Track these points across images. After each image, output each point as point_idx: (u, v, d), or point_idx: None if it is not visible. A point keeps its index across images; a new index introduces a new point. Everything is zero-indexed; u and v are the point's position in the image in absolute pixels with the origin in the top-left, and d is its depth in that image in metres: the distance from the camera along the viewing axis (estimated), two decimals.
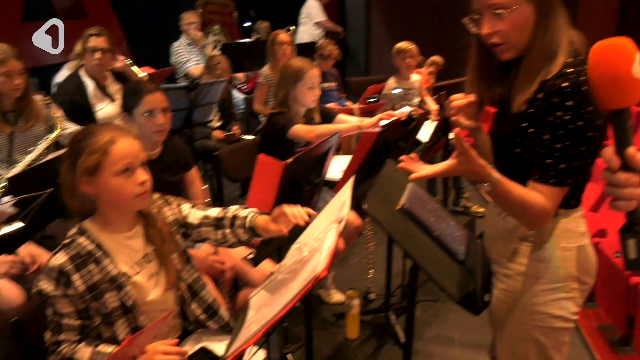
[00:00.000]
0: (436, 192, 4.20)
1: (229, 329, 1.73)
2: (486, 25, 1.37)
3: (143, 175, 1.52)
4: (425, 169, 1.40)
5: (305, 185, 2.05)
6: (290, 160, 1.88)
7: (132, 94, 2.21)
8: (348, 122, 2.98)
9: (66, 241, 1.50)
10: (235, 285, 2.55)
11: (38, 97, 2.91)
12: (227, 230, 1.66)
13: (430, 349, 2.65)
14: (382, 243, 3.17)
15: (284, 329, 2.55)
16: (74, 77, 3.26)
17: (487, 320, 1.66)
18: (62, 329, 1.47)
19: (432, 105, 4.48)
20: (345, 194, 1.59)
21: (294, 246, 1.51)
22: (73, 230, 1.53)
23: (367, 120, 2.82)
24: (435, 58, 5.26)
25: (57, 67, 4.09)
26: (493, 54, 1.43)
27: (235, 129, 4.00)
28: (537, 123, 1.34)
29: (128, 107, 2.22)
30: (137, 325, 1.54)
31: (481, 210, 4.10)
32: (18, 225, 1.73)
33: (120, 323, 1.51)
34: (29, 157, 2.71)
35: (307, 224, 1.54)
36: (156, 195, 1.70)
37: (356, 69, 7.79)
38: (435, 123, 3.40)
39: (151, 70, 4.15)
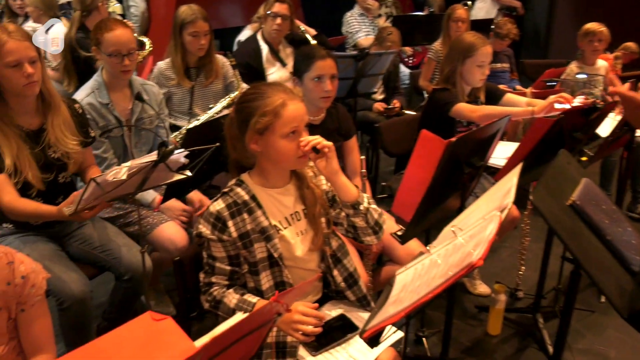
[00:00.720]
0: (610, 193, 3.79)
1: (366, 302, 1.74)
2: None
3: (307, 138, 1.56)
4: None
5: (466, 168, 1.95)
6: (454, 139, 1.80)
7: (304, 59, 2.26)
8: (517, 103, 2.76)
9: (225, 190, 1.60)
10: (380, 260, 2.56)
11: (220, 57, 3.11)
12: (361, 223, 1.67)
13: None
14: (539, 240, 2.95)
15: (422, 312, 2.51)
16: (252, 41, 3.44)
17: None
18: (215, 272, 1.58)
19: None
20: (511, 180, 1.48)
21: (448, 228, 1.45)
22: (232, 181, 1.63)
23: (539, 103, 2.59)
24: (630, 44, 4.67)
25: (238, 30, 4.36)
26: None
27: (395, 102, 3.95)
28: None
29: (298, 71, 2.28)
30: (281, 279, 1.60)
31: None
32: (187, 174, 1.87)
33: (265, 274, 1.59)
34: (212, 111, 2.93)
35: None
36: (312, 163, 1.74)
37: (533, 51, 7.23)
38: (619, 117, 3.05)
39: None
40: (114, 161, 2.38)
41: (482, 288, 2.89)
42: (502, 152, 2.79)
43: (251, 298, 1.58)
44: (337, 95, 3.14)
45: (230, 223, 1.54)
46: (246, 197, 1.58)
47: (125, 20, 3.05)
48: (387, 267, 2.35)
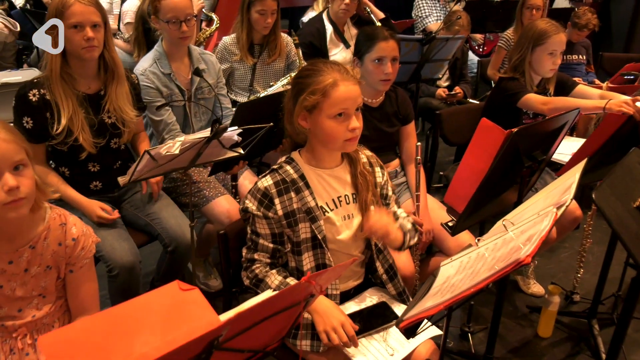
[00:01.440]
0: None
1: (406, 296, 1.71)
2: None
3: (355, 122, 1.52)
4: None
5: (526, 161, 1.85)
6: (515, 129, 1.71)
7: (366, 39, 2.22)
8: (589, 96, 2.59)
9: (275, 166, 1.59)
10: (430, 250, 2.50)
11: (285, 36, 3.10)
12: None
13: None
14: (601, 243, 2.80)
15: (470, 307, 2.43)
16: (317, 20, 3.41)
17: None
18: (258, 249, 1.58)
19: None
20: (573, 176, 1.39)
21: (500, 222, 1.39)
22: (283, 158, 1.62)
23: (614, 96, 2.41)
24: None
25: (305, 10, 4.34)
26: None
27: (458, 89, 3.83)
28: None
29: (360, 52, 2.24)
30: (324, 262, 1.59)
31: None
32: (240, 152, 1.88)
33: (307, 255, 1.57)
34: (271, 90, 2.93)
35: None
36: (370, 154, 1.73)
37: (613, 43, 6.82)
38: None
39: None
40: (176, 128, 2.43)
41: (536, 288, 2.78)
42: (568, 148, 2.66)
43: (292, 281, 1.57)
44: (399, 79, 3.08)
45: (277, 200, 1.53)
46: (295, 176, 1.57)
47: None
48: (436, 257, 2.30)
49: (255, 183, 1.57)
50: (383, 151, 2.36)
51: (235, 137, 1.79)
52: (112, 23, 4.55)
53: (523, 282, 2.82)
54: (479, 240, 1.38)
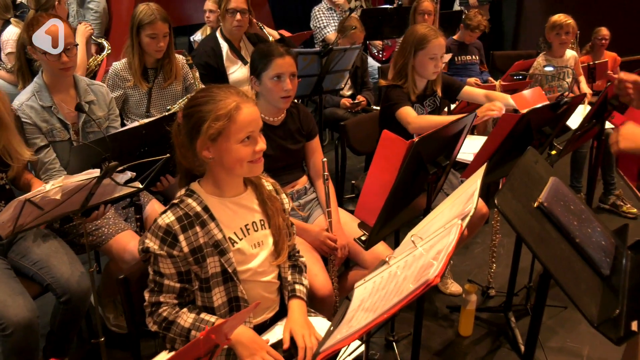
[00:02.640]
0: (580, 185, 3.77)
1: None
2: None
3: (262, 144, 1.47)
4: None
5: (431, 168, 1.87)
6: (416, 139, 1.72)
7: (262, 57, 2.15)
8: (475, 95, 2.76)
9: (175, 200, 1.49)
10: (347, 264, 2.47)
11: (179, 57, 2.97)
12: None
13: None
14: (510, 235, 2.90)
15: (392, 315, 2.42)
16: (211, 39, 3.31)
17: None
18: (163, 290, 1.47)
19: (586, 87, 4.00)
20: (474, 184, 1.40)
21: (409, 236, 1.37)
22: (182, 191, 1.52)
23: (498, 98, 2.63)
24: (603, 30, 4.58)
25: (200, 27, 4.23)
26: None
27: (361, 98, 3.86)
28: None
29: (256, 70, 2.17)
30: (236, 295, 1.50)
31: (634, 211, 3.62)
32: (139, 187, 1.77)
33: (218, 290, 1.49)
34: (168, 113, 2.79)
35: None
36: (273, 181, 1.70)
37: (503, 42, 7.20)
38: (588, 108, 3.01)
39: (287, 34, 4.12)
40: (54, 167, 2.25)
41: (454, 287, 2.83)
42: (470, 147, 2.73)
43: (208, 317, 1.48)
44: (301, 92, 3.05)
45: (181, 237, 1.43)
46: (198, 209, 1.47)
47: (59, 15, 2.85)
48: (353, 271, 2.27)
49: (155, 220, 1.45)
50: (290, 169, 2.31)
51: (129, 174, 1.66)
52: None
53: (441, 283, 2.86)
54: (389, 258, 1.36)
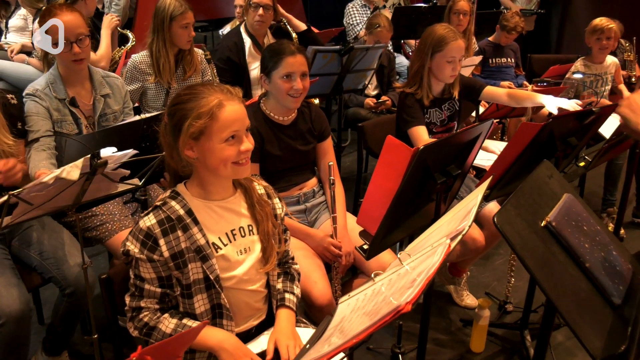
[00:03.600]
0: (615, 199, 3.57)
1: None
2: None
3: (247, 144, 1.40)
4: None
5: (439, 177, 1.77)
6: (422, 146, 1.62)
7: (273, 55, 2.09)
8: (496, 96, 2.64)
9: (158, 203, 1.44)
10: (355, 270, 2.39)
11: (199, 51, 2.95)
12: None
13: None
14: None
15: (399, 326, 2.33)
16: (235, 34, 3.27)
17: None
18: (144, 295, 1.42)
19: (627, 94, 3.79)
20: (474, 199, 1.30)
21: (400, 255, 1.28)
22: (167, 193, 1.47)
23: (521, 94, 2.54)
24: None
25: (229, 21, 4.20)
26: None
27: (385, 98, 3.75)
28: None
29: (267, 69, 2.11)
30: (218, 302, 1.45)
31: None
32: (137, 183, 1.73)
33: (200, 297, 1.43)
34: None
35: None
36: (266, 184, 1.64)
37: (549, 46, 6.91)
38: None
39: (315, 31, 4.03)
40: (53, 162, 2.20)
41: (470, 299, 2.72)
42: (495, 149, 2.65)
43: (191, 322, 1.43)
44: (321, 91, 2.97)
45: (162, 241, 1.38)
46: (181, 212, 1.42)
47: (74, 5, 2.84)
48: (358, 279, 2.19)
49: (137, 223, 1.41)
50: (298, 171, 2.24)
51: (123, 171, 1.63)
52: (28, 40, 4.29)
53: (456, 294, 2.75)
54: (375, 275, 1.27)
